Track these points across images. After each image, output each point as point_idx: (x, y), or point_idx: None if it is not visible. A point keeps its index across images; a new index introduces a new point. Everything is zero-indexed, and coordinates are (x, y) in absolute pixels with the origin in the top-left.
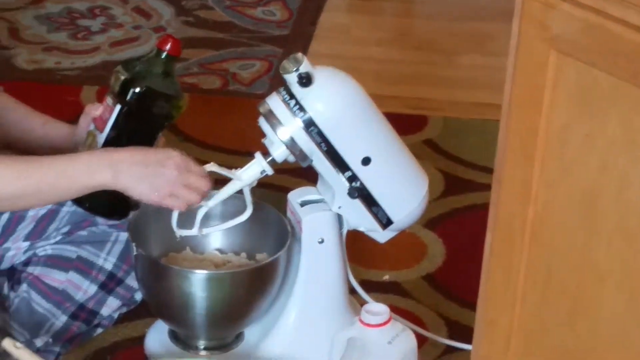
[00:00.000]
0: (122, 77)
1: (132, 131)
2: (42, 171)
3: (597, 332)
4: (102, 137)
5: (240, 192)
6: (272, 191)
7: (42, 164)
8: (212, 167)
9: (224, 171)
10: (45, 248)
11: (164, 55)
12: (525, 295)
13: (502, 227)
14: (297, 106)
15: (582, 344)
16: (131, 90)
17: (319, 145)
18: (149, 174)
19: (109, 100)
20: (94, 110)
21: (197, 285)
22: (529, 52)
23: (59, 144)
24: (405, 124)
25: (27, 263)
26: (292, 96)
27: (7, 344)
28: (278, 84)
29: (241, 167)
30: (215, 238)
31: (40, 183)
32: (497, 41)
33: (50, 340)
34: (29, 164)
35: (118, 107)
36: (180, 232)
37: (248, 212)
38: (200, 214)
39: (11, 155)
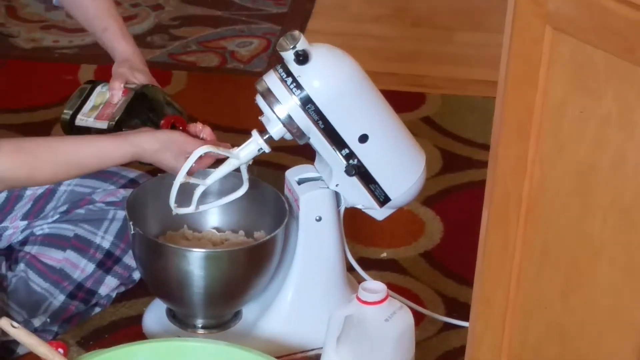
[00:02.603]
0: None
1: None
2: (77, 156)
3: (592, 307)
4: None
5: (237, 170)
6: (269, 169)
7: (77, 145)
8: (208, 148)
9: (221, 151)
10: (43, 227)
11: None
12: (520, 272)
13: (498, 203)
14: (294, 84)
15: (577, 320)
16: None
17: (316, 122)
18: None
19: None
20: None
21: (195, 263)
22: (525, 28)
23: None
24: (403, 102)
25: (24, 242)
26: (289, 74)
27: (4, 323)
28: (276, 61)
29: (239, 145)
30: (213, 216)
31: (72, 165)
32: (495, 18)
33: (48, 320)
34: (61, 148)
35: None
36: (178, 210)
37: (244, 189)
38: (197, 193)
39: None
